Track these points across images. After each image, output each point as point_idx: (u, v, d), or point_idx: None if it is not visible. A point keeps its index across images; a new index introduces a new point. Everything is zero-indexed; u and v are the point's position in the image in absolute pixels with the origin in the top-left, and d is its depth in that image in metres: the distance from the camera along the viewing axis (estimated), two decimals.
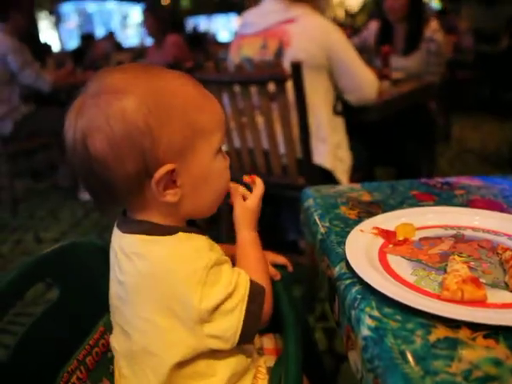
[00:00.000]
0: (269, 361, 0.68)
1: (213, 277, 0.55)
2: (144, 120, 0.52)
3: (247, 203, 0.68)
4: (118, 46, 7.82)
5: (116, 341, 0.63)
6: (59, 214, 2.92)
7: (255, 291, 0.59)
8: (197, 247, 0.58)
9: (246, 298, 0.57)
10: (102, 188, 0.56)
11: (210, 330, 0.56)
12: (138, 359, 0.59)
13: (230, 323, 0.56)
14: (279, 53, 1.67)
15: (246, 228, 0.67)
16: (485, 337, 0.42)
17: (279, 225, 2.27)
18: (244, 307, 0.57)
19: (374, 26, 2.83)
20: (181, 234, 0.58)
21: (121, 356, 0.62)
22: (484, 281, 0.51)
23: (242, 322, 0.56)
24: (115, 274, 0.61)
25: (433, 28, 2.61)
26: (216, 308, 0.55)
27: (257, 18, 1.80)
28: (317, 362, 0.85)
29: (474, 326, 0.43)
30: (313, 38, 1.63)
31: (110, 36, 8.59)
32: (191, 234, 0.59)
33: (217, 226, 2.00)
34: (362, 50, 2.56)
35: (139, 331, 0.59)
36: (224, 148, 1.95)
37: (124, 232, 0.60)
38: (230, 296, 0.56)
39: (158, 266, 0.56)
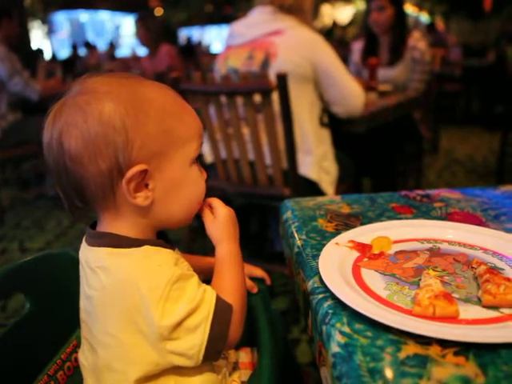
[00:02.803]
0: (244, 375, 0.67)
1: (176, 292, 0.53)
2: (120, 119, 0.53)
3: (217, 216, 0.65)
4: (112, 56, 7.87)
5: (83, 356, 0.62)
6: (45, 224, 2.89)
7: (221, 309, 0.56)
8: (161, 261, 0.56)
9: (211, 317, 0.55)
10: (73, 188, 0.56)
11: (172, 347, 0.54)
12: (103, 375, 0.58)
13: (193, 342, 0.54)
14: (265, 64, 1.67)
15: (220, 242, 0.64)
16: (455, 354, 0.42)
17: (266, 236, 2.26)
18: (208, 326, 0.54)
19: (357, 46, 2.89)
20: (147, 248, 0.57)
21: (87, 372, 0.61)
22: (457, 296, 0.50)
23: (206, 341, 0.54)
24: (83, 288, 0.60)
25: (415, 37, 2.68)
26: (178, 324, 0.53)
27: (244, 28, 1.80)
28: (295, 377, 0.84)
29: (445, 343, 0.43)
30: (299, 50, 1.64)
31: (111, 47, 8.65)
32: (158, 248, 0.58)
33: (204, 237, 2.00)
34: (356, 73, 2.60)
35: (104, 347, 0.57)
36: (211, 159, 1.93)
37: (90, 245, 0.59)
38: (192, 312, 0.54)
39: (121, 280, 0.55)
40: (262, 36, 1.72)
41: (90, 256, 0.58)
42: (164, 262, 0.56)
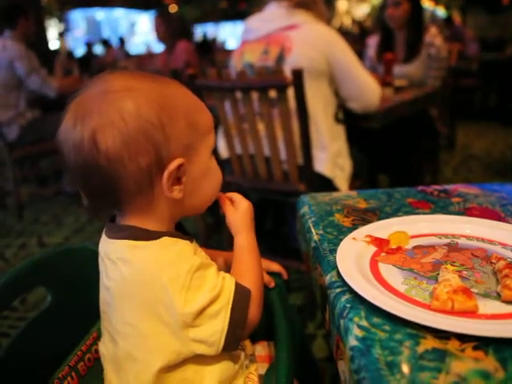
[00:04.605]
0: (261, 368, 0.68)
1: (197, 281, 0.55)
2: (157, 116, 0.54)
3: (237, 208, 0.68)
4: (126, 54, 7.93)
5: (104, 346, 0.63)
6: (63, 220, 2.93)
7: (240, 295, 0.58)
8: (180, 252, 0.57)
9: (231, 302, 0.57)
10: (104, 189, 0.55)
11: (194, 334, 0.55)
12: (123, 365, 0.59)
13: (215, 328, 0.55)
14: (280, 58, 1.67)
15: (239, 232, 0.67)
16: (474, 348, 0.42)
17: (282, 231, 2.26)
18: (229, 311, 0.56)
19: (373, 42, 2.85)
20: (165, 239, 0.57)
21: (108, 362, 0.62)
22: (476, 291, 0.50)
23: (226, 326, 0.56)
24: (103, 280, 0.61)
25: (432, 33, 2.62)
26: (200, 312, 0.55)
27: (259, 23, 1.80)
28: (312, 371, 0.85)
29: (464, 337, 0.43)
30: (315, 45, 1.63)
31: (121, 43, 8.72)
32: (176, 239, 0.59)
33: (219, 234, 2.01)
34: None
35: (124, 337, 0.58)
36: (226, 155, 1.94)
37: (110, 238, 0.60)
38: (214, 300, 0.55)
39: (142, 271, 0.56)
40: (278, 30, 1.72)
41: (111, 248, 0.59)
42: (183, 252, 0.58)
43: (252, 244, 0.67)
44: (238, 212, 0.67)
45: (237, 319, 0.57)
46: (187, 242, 0.60)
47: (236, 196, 0.69)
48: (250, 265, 0.64)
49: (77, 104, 0.55)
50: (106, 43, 8.83)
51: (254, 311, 0.60)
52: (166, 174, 0.55)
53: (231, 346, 0.58)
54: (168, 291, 0.54)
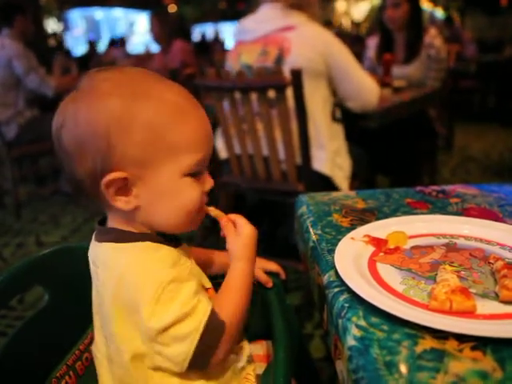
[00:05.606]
0: (258, 368, 0.67)
1: (169, 294, 0.52)
2: (105, 125, 0.53)
3: (240, 233, 0.63)
4: (126, 53, 7.90)
5: (96, 348, 0.63)
6: (61, 219, 2.93)
7: (214, 325, 0.54)
8: (159, 260, 0.56)
9: (201, 329, 0.53)
10: (70, 178, 0.58)
11: (159, 349, 0.53)
12: (113, 364, 0.59)
13: (180, 350, 0.53)
14: (279, 59, 1.67)
15: (238, 260, 0.62)
16: (472, 348, 0.42)
17: (280, 231, 2.26)
18: (197, 337, 0.52)
19: (372, 43, 2.85)
20: (147, 244, 0.57)
21: (101, 363, 0.62)
22: (474, 291, 0.50)
23: (192, 353, 0.52)
24: (93, 282, 0.61)
25: (432, 34, 2.63)
26: (165, 330, 0.52)
27: (254, 24, 1.80)
28: (310, 371, 0.85)
29: (462, 337, 0.42)
30: (313, 46, 1.64)
31: (122, 43, 8.69)
32: (158, 245, 0.58)
33: (215, 237, 2.00)
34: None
35: (107, 338, 0.59)
36: (225, 155, 1.93)
37: (97, 241, 0.61)
38: (182, 319, 0.52)
39: (117, 275, 0.55)
40: (274, 31, 1.72)
41: (97, 251, 0.60)
42: (161, 261, 0.56)
43: (247, 276, 0.62)
44: (241, 238, 0.63)
45: (204, 348, 0.53)
46: (171, 248, 0.59)
47: (240, 219, 0.65)
48: (236, 298, 0.59)
49: (64, 99, 0.57)
50: (114, 42, 8.77)
51: (224, 347, 0.55)
52: (102, 183, 0.54)
53: (198, 368, 0.55)
54: (139, 298, 0.53)
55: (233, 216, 0.65)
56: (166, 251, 0.58)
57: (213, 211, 0.65)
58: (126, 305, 0.54)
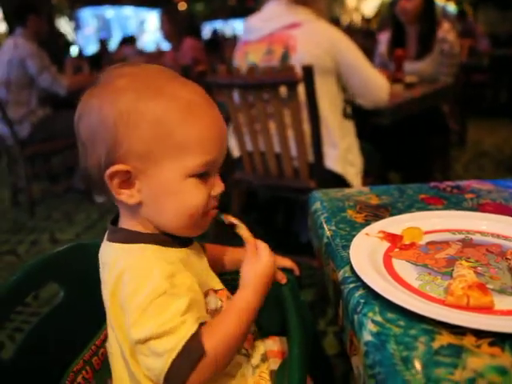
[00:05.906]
0: (273, 364, 0.67)
1: (155, 308, 0.51)
2: (114, 118, 0.55)
3: (259, 258, 0.61)
4: (138, 51, 7.91)
5: (109, 344, 0.63)
6: (74, 216, 2.96)
7: (190, 350, 0.50)
8: (157, 267, 0.54)
9: (176, 352, 0.50)
10: (83, 171, 0.59)
11: (139, 356, 0.53)
12: (122, 359, 0.59)
13: (155, 365, 0.51)
14: (285, 58, 1.66)
15: (247, 287, 0.60)
16: (490, 344, 0.41)
17: (293, 228, 2.26)
18: (170, 360, 0.50)
19: (384, 38, 2.83)
20: (152, 247, 0.57)
21: (115, 358, 0.62)
22: (491, 287, 0.50)
23: (167, 369, 0.50)
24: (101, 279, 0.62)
25: (445, 28, 2.59)
26: (144, 342, 0.51)
27: (260, 22, 1.78)
28: (324, 367, 0.84)
29: (480, 333, 0.42)
30: (319, 43, 1.62)
31: (132, 40, 8.71)
32: (165, 248, 0.58)
33: (228, 234, 2.00)
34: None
35: (111, 336, 0.60)
36: (237, 153, 1.93)
37: (108, 240, 0.62)
38: (160, 336, 0.50)
39: (117, 275, 0.55)
40: (280, 29, 1.71)
41: (106, 251, 0.61)
42: (158, 269, 0.54)
43: (251, 307, 0.58)
44: (258, 264, 0.61)
45: (178, 371, 0.50)
46: (178, 249, 0.59)
47: (261, 244, 0.63)
48: (230, 326, 0.55)
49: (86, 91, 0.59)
50: (125, 41, 8.79)
51: (202, 373, 0.51)
52: (106, 174, 0.55)
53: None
54: (128, 302, 0.53)
55: (258, 241, 0.64)
56: (170, 254, 0.58)
57: (243, 231, 0.64)
58: (119, 305, 0.55)
